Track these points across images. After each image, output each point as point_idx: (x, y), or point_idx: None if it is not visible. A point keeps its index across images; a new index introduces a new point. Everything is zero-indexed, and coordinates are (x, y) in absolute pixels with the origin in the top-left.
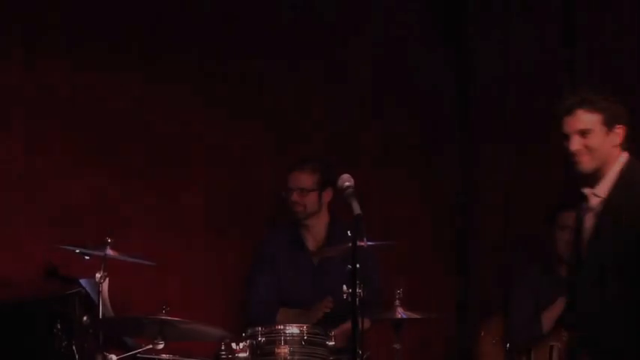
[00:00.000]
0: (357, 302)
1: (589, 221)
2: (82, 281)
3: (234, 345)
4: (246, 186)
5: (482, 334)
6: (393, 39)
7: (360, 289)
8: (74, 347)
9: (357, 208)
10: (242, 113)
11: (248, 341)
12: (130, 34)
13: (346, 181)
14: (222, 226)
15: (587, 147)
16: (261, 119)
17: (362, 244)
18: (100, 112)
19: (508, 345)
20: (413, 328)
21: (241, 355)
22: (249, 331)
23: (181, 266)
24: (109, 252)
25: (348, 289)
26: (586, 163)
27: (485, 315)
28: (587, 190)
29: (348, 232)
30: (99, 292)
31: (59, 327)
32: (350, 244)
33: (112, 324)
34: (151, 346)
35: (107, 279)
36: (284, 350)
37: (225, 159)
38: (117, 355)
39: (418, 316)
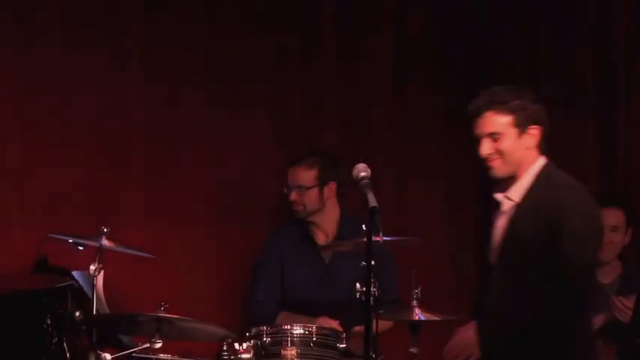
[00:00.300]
0: (372, 301)
1: (501, 225)
2: (75, 273)
3: (237, 345)
4: (248, 178)
5: None
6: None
7: (375, 287)
8: (65, 344)
9: (372, 200)
10: (245, 103)
11: (252, 341)
12: (131, 24)
13: (362, 171)
14: (225, 219)
15: (498, 151)
16: (263, 108)
17: (377, 239)
18: (95, 101)
19: None
20: (431, 330)
21: (245, 356)
22: (254, 330)
23: (182, 260)
24: (105, 242)
25: (361, 287)
26: (498, 168)
27: None
28: (498, 196)
29: (363, 226)
30: (93, 286)
31: (49, 322)
32: (364, 239)
33: (107, 320)
34: (147, 345)
35: (102, 271)
36: (291, 352)
37: (226, 151)
38: (111, 354)
39: (437, 318)
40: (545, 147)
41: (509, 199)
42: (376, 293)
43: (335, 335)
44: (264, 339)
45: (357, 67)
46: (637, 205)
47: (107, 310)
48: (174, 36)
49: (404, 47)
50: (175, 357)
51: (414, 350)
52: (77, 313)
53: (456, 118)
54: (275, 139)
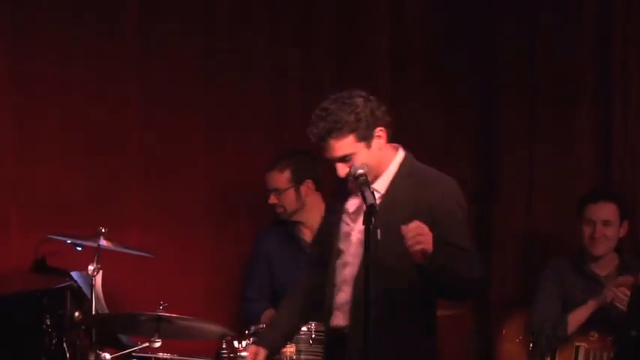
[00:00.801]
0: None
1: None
2: (74, 274)
3: (236, 343)
4: (247, 178)
5: (505, 332)
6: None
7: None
8: (65, 344)
9: (370, 198)
10: (243, 104)
11: (251, 339)
12: (130, 28)
13: (359, 168)
14: (224, 218)
15: (349, 167)
16: (261, 108)
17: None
18: (93, 102)
19: (531, 345)
20: None
21: (244, 354)
22: (253, 328)
23: (180, 259)
24: (103, 243)
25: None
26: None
27: (507, 312)
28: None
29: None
30: (92, 286)
31: (49, 323)
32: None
33: (106, 320)
34: (147, 344)
35: (101, 272)
36: (290, 349)
37: (225, 151)
38: (111, 354)
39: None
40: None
41: (376, 191)
42: None
43: None
44: None
45: (354, 63)
46: (634, 199)
47: (106, 310)
48: (174, 36)
49: (402, 40)
50: (175, 356)
51: None
52: (76, 314)
53: (454, 117)
54: (274, 138)
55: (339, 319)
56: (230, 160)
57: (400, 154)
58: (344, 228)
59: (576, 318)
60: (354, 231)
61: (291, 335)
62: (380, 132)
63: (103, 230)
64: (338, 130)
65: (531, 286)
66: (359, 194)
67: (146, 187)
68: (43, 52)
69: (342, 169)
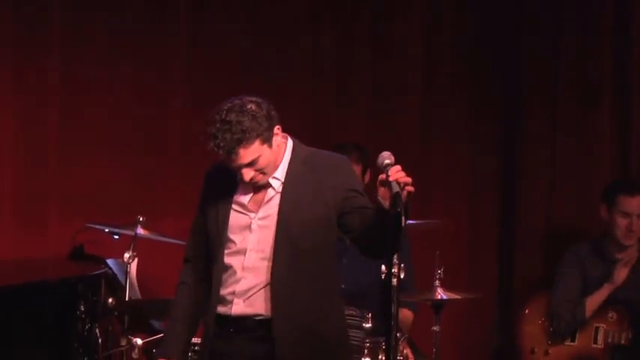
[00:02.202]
0: (394, 283)
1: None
2: (109, 261)
3: None
4: None
5: (527, 311)
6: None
7: (398, 269)
8: (97, 330)
9: (395, 187)
10: (276, 95)
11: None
12: (179, 23)
13: (386, 158)
14: None
15: (259, 170)
16: (297, 101)
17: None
18: (131, 92)
19: (552, 328)
20: (453, 309)
21: None
22: None
23: None
24: (140, 231)
25: (386, 269)
26: (264, 179)
27: (531, 294)
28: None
29: None
30: (126, 273)
31: (82, 309)
32: None
33: (139, 306)
34: None
35: (136, 259)
36: None
37: None
38: (142, 339)
39: (459, 297)
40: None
41: (277, 179)
42: (400, 275)
43: (360, 315)
44: None
45: (387, 63)
46: None
47: (139, 297)
48: (221, 34)
49: (433, 43)
50: None
51: (436, 328)
52: (110, 300)
53: (481, 112)
54: (310, 128)
55: (241, 308)
56: None
57: (290, 142)
58: (238, 219)
59: (593, 302)
60: (255, 220)
61: (194, 331)
62: (277, 130)
63: (141, 219)
64: (246, 139)
65: (553, 272)
66: (248, 185)
67: (183, 176)
68: (91, 51)
69: (248, 174)
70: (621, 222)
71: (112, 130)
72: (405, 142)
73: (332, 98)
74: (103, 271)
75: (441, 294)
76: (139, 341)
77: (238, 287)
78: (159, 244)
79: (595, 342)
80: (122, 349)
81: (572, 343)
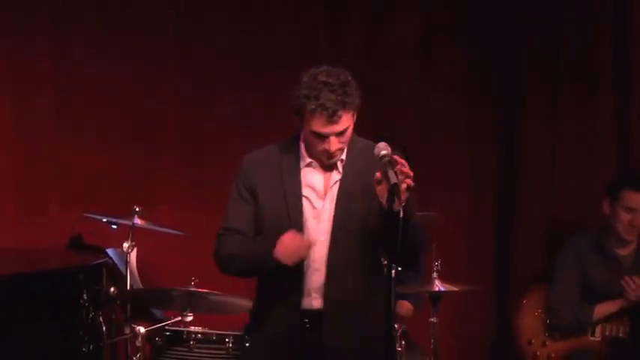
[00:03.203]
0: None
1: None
2: (109, 251)
3: None
4: None
5: (525, 302)
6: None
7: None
8: (101, 319)
9: (393, 178)
10: (269, 83)
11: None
12: (168, 11)
13: (383, 149)
14: None
15: (343, 143)
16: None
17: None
18: (128, 86)
19: (548, 321)
20: (451, 301)
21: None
22: None
23: (211, 237)
24: (137, 221)
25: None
26: (339, 156)
27: (528, 286)
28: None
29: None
30: (126, 263)
31: (85, 298)
32: None
33: (140, 295)
34: (179, 318)
35: (135, 249)
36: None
37: (257, 131)
38: (145, 327)
39: (456, 289)
40: None
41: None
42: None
43: None
44: None
45: (382, 55)
46: None
47: (140, 286)
48: (210, 21)
49: (429, 27)
50: (206, 329)
51: (434, 320)
52: (112, 289)
53: (479, 99)
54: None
55: (313, 302)
56: (259, 140)
57: None
58: (308, 207)
59: (603, 311)
60: (322, 208)
61: None
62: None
63: (138, 209)
64: (348, 104)
65: (551, 264)
66: (322, 170)
67: (179, 167)
68: (82, 41)
69: (335, 144)
70: (624, 217)
71: (106, 120)
72: (403, 136)
73: None
74: (104, 260)
75: (438, 286)
76: (142, 329)
77: (315, 281)
78: (155, 233)
79: (593, 335)
80: (126, 337)
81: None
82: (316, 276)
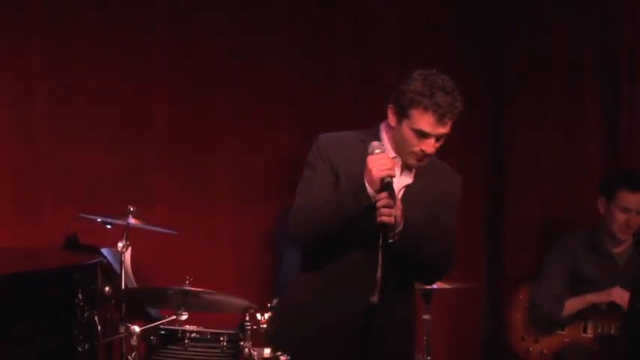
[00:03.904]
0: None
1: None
2: (104, 250)
3: (259, 316)
4: (271, 154)
5: (521, 297)
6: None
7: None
8: (96, 318)
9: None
10: (265, 83)
11: (273, 312)
12: (155, 19)
13: (376, 148)
14: (249, 196)
15: (436, 148)
16: (285, 88)
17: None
18: (123, 86)
19: (530, 315)
20: (443, 298)
21: (266, 325)
22: (275, 301)
23: (205, 236)
24: (132, 221)
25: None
26: (426, 161)
27: (520, 283)
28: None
29: None
30: (121, 262)
31: (80, 297)
32: None
33: (135, 294)
34: (174, 317)
35: (129, 248)
36: None
37: (250, 130)
38: (140, 326)
39: (449, 287)
40: None
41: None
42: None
43: None
44: None
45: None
46: None
47: (135, 285)
48: (201, 23)
49: (413, 26)
50: (200, 327)
51: (427, 317)
52: (107, 288)
53: (467, 99)
54: (296, 118)
55: (375, 297)
56: (254, 139)
57: None
58: None
59: (572, 306)
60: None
61: None
62: None
63: (132, 209)
64: (458, 109)
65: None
66: (399, 170)
67: (173, 166)
68: (76, 40)
69: (432, 146)
70: (620, 217)
71: (101, 120)
72: None
73: (318, 87)
74: (99, 260)
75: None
76: (137, 328)
77: (378, 277)
78: (150, 232)
79: (585, 332)
80: (121, 336)
81: (561, 332)
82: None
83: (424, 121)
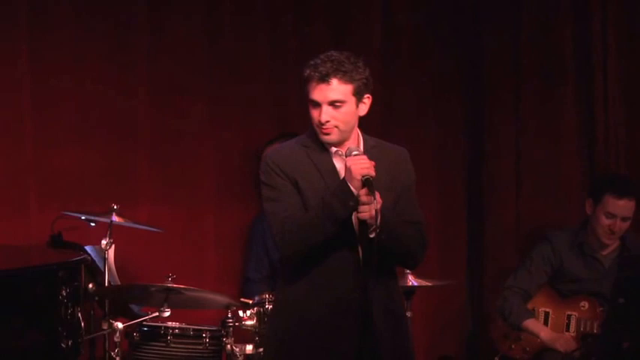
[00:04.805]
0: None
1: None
2: (88, 248)
3: (241, 313)
4: (252, 154)
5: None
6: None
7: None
8: (79, 315)
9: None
10: (244, 83)
11: (255, 309)
12: (137, 17)
13: (354, 150)
14: (230, 194)
15: (337, 118)
16: (265, 89)
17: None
18: (105, 85)
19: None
20: (424, 296)
21: (248, 322)
22: (257, 298)
23: (188, 233)
24: (115, 218)
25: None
26: (333, 135)
27: (500, 280)
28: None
29: None
30: (105, 259)
31: (64, 294)
32: None
33: (118, 291)
34: (157, 314)
35: (113, 246)
36: None
37: (231, 128)
38: (123, 323)
39: (429, 284)
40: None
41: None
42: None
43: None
44: (267, 306)
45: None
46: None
47: (118, 282)
48: (179, 22)
49: (392, 26)
50: (183, 324)
51: (408, 314)
52: (90, 285)
53: (443, 92)
54: (276, 115)
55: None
56: (236, 137)
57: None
58: None
59: (528, 326)
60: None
61: None
62: (367, 99)
63: (115, 207)
64: (343, 72)
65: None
66: (338, 156)
67: (156, 165)
68: (59, 41)
69: (327, 114)
70: (605, 221)
71: (84, 118)
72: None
73: (292, 85)
74: (82, 257)
75: (412, 281)
76: (120, 325)
77: None
78: (133, 230)
79: (567, 330)
80: (104, 332)
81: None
82: None
83: (311, 89)
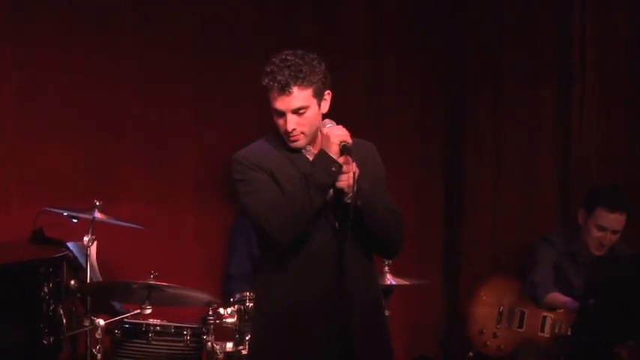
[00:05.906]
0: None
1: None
2: (70, 244)
3: (222, 310)
4: (228, 155)
5: (481, 292)
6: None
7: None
8: (61, 311)
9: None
10: (230, 82)
11: (236, 306)
12: (128, 9)
13: (328, 122)
14: (213, 191)
15: (302, 124)
16: (251, 88)
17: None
18: (90, 81)
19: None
20: (402, 294)
21: (229, 320)
22: (237, 296)
23: (171, 231)
24: (98, 215)
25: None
26: (301, 140)
27: (478, 280)
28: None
29: None
30: (87, 256)
31: (46, 291)
32: None
33: (100, 288)
34: (138, 311)
35: (95, 242)
36: None
37: (215, 127)
38: (104, 320)
39: (407, 283)
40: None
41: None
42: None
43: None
44: (248, 304)
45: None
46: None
47: (100, 279)
48: (167, 20)
49: (377, 26)
50: (164, 322)
51: (386, 313)
52: (72, 282)
53: (428, 89)
54: (261, 113)
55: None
56: (220, 136)
57: (326, 121)
58: None
59: (551, 301)
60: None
61: None
62: (328, 95)
63: (98, 203)
64: (302, 79)
65: (501, 259)
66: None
67: (139, 162)
68: (44, 32)
69: (293, 122)
70: (595, 233)
71: (67, 113)
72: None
73: None
74: (64, 253)
75: (390, 280)
76: (102, 322)
77: None
78: (115, 227)
79: (542, 330)
80: (86, 329)
81: (519, 329)
82: None
83: (273, 99)
